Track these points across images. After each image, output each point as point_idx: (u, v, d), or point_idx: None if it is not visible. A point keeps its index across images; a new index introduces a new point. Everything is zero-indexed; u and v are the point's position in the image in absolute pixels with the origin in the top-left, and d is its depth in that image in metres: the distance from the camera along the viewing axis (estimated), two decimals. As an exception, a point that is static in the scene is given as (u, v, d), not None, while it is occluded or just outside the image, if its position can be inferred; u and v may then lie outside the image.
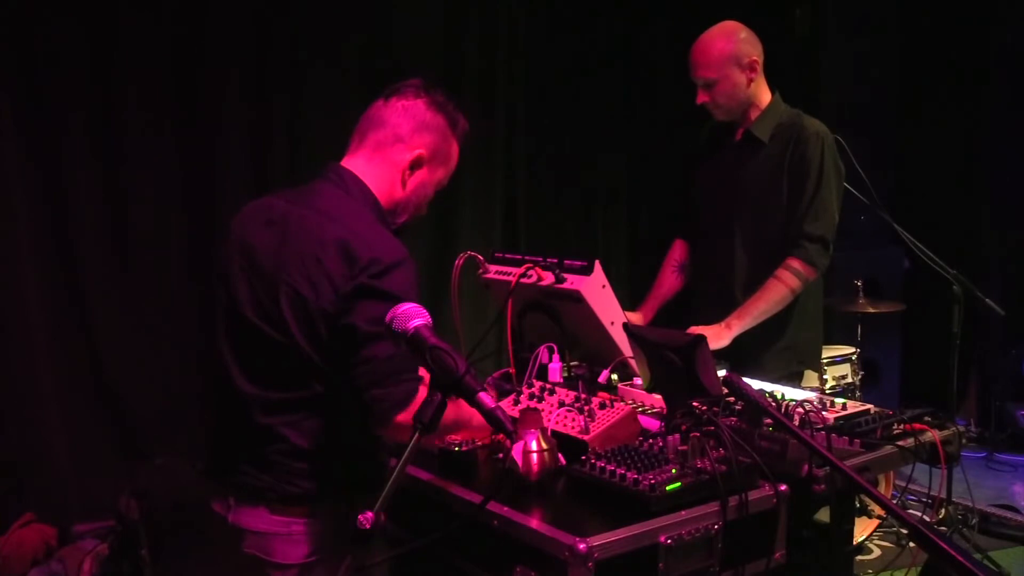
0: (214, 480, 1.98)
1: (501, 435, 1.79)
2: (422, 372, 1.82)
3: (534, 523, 1.69)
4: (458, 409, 1.78)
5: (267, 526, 1.86)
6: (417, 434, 1.49)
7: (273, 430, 1.85)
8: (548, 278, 2.51)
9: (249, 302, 1.88)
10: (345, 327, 1.77)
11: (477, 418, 1.60)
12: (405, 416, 1.76)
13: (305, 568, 1.87)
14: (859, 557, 3.78)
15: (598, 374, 2.59)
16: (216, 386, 1.99)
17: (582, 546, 1.56)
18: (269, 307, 1.85)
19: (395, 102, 1.99)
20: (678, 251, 3.25)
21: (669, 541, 1.68)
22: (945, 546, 1.35)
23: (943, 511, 3.75)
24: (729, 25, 2.89)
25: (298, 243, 1.84)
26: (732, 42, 2.84)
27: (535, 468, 1.83)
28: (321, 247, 1.80)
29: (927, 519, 3.60)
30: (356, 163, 1.98)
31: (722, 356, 2.65)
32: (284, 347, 1.82)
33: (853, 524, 2.36)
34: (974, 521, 3.98)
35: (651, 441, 1.94)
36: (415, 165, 1.98)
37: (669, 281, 3.23)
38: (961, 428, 2.32)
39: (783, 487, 1.85)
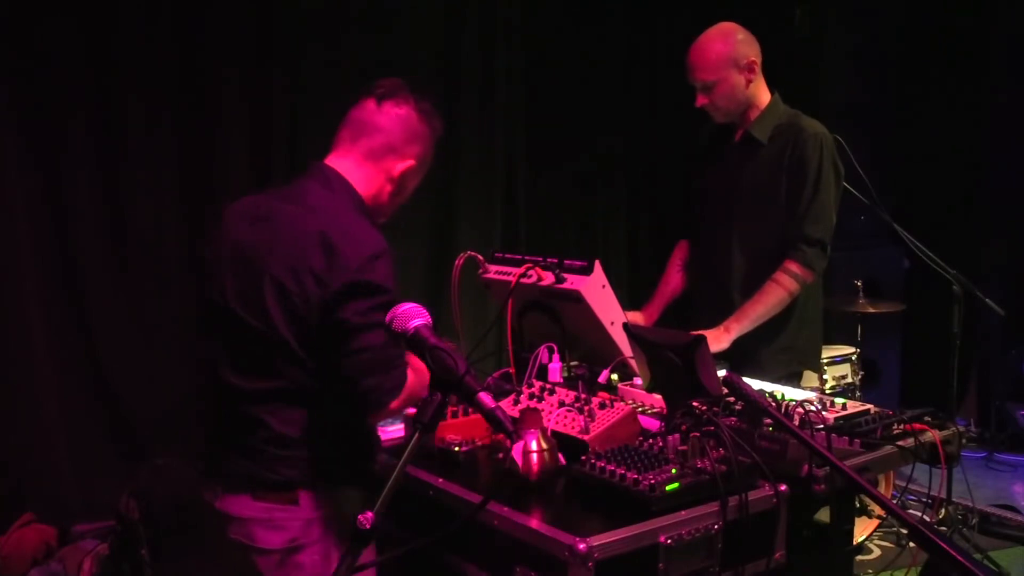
0: (208, 470, 2.03)
1: (501, 435, 1.80)
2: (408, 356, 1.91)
3: (534, 523, 1.69)
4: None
5: (250, 512, 1.92)
6: (417, 434, 1.50)
7: (256, 418, 1.90)
8: (548, 278, 2.50)
9: (234, 294, 1.93)
10: (335, 322, 1.82)
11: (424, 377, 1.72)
12: (398, 402, 1.88)
13: (287, 553, 1.91)
14: (859, 557, 3.77)
15: (598, 374, 2.58)
16: (207, 378, 2.04)
17: (582, 546, 1.56)
18: (252, 297, 1.89)
19: (388, 108, 2.03)
20: (683, 251, 3.24)
21: (669, 541, 1.68)
22: (945, 546, 1.36)
23: (943, 511, 3.75)
24: (726, 27, 2.87)
25: (282, 236, 1.90)
26: (729, 44, 2.82)
27: (535, 468, 1.83)
28: (304, 237, 1.86)
29: (927, 519, 3.60)
30: (344, 164, 2.03)
31: (722, 356, 2.64)
32: (265, 336, 1.87)
33: (853, 524, 2.35)
34: (974, 521, 3.98)
35: (651, 441, 1.94)
36: (404, 173, 2.05)
37: (674, 281, 3.21)
38: (961, 428, 2.32)
39: (783, 487, 1.85)
